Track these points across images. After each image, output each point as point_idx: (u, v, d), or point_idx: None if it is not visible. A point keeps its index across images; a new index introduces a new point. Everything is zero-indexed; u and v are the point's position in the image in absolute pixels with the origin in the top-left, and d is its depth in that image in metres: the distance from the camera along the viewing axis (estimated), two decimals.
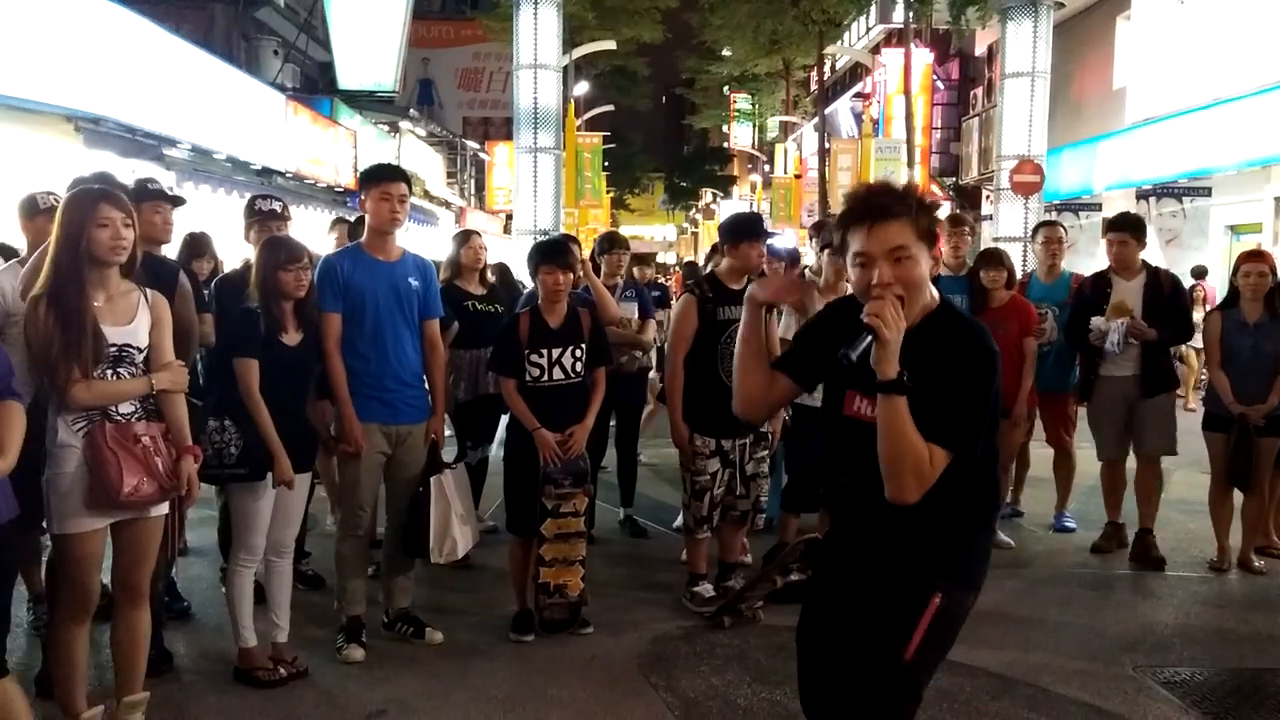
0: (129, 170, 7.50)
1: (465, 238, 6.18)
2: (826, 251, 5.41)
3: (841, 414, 2.38)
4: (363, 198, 4.40)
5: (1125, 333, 5.66)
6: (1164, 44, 16.23)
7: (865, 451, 2.25)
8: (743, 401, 2.57)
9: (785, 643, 4.54)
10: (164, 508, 3.34)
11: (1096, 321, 5.75)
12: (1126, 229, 5.87)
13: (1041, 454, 6.78)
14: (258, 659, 4.03)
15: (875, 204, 2.27)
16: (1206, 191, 15.23)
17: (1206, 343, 5.82)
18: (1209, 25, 14.92)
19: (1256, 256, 5.75)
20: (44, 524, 3.37)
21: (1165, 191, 15.79)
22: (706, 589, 4.92)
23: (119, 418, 3.19)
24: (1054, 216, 15.02)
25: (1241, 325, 5.54)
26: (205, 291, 4.98)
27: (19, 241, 4.26)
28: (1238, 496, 5.73)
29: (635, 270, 6.93)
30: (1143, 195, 16.19)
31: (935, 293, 2.34)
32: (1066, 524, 6.46)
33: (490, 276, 6.31)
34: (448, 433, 5.25)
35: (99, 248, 3.15)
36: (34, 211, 4.00)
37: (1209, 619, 5.02)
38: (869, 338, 2.16)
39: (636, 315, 6.25)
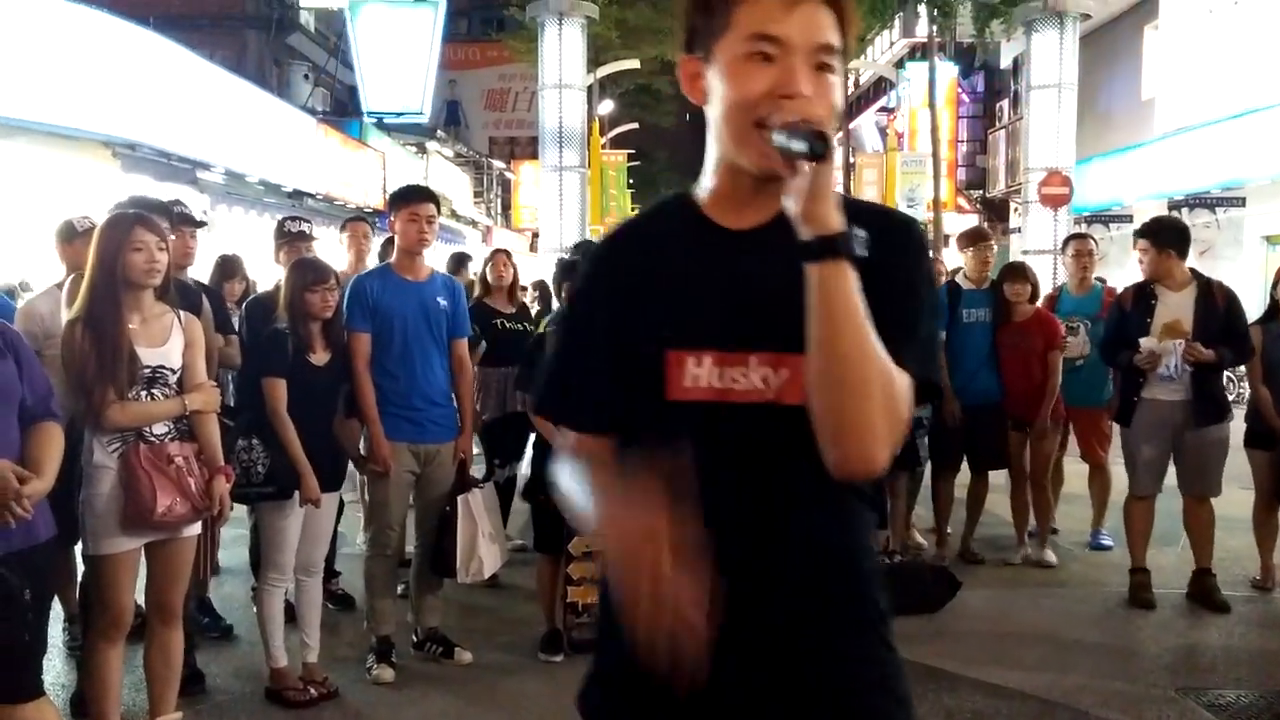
0: (163, 194, 7.60)
1: (492, 256, 6.24)
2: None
3: (666, 400, 1.38)
4: (392, 219, 4.43)
5: (1182, 356, 5.02)
6: (1193, 53, 16.10)
7: (735, 452, 1.35)
8: None
9: None
10: (197, 528, 3.37)
11: (1148, 343, 5.12)
12: (1147, 235, 5.33)
13: (1075, 469, 6.69)
14: (289, 679, 4.04)
15: None
16: (1240, 202, 15.05)
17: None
18: (1239, 34, 14.79)
19: None
20: (79, 544, 3.41)
21: (1198, 202, 15.61)
22: None
23: (153, 438, 3.22)
24: (1084, 229, 14.89)
25: None
26: (235, 313, 5.04)
27: (56, 265, 4.32)
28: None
29: None
30: (1175, 206, 16.01)
31: None
32: (1104, 542, 6.33)
33: (521, 295, 6.35)
34: (475, 451, 5.27)
35: (134, 271, 3.20)
36: (71, 236, 4.07)
37: (1253, 640, 4.91)
38: (801, 146, 1.22)
39: None
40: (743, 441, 1.36)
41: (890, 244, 1.35)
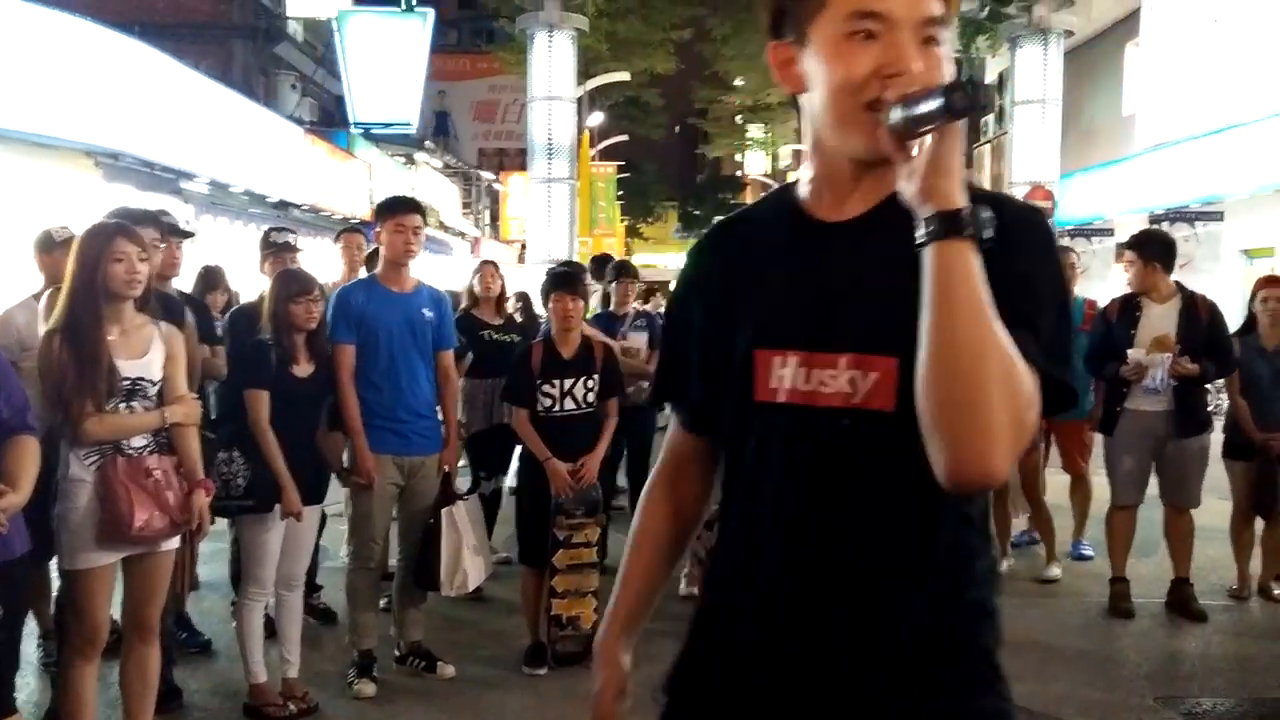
0: (146, 204, 7.57)
1: (480, 268, 6.24)
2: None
3: (754, 402, 1.33)
4: (378, 229, 4.42)
5: (1169, 369, 5.08)
6: (1173, 70, 16.24)
7: (816, 460, 1.28)
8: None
9: None
10: (175, 542, 3.34)
11: (1136, 354, 5.17)
12: (1134, 247, 5.41)
13: (1056, 480, 6.72)
14: (268, 695, 4.00)
15: None
16: (1219, 216, 15.17)
17: None
18: (1217, 51, 14.93)
19: (1275, 282, 5.71)
20: (54, 559, 3.37)
21: (1178, 216, 15.72)
22: None
23: (131, 451, 3.19)
24: (1066, 242, 14.97)
25: (1260, 351, 5.49)
26: (218, 324, 5.01)
27: (35, 276, 4.28)
28: (1258, 523, 5.66)
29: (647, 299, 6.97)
30: (1155, 220, 16.11)
31: None
32: (1084, 552, 6.38)
33: (509, 306, 6.34)
34: (461, 463, 5.25)
35: (114, 281, 3.17)
36: (49, 246, 4.04)
37: (1230, 648, 4.95)
38: (934, 105, 1.11)
39: (646, 345, 6.26)
40: (825, 449, 1.27)
41: (1013, 235, 1.20)
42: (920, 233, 1.13)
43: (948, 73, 1.21)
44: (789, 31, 1.30)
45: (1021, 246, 1.22)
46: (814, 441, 1.28)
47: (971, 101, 1.08)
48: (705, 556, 4.84)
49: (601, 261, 7.47)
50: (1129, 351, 5.19)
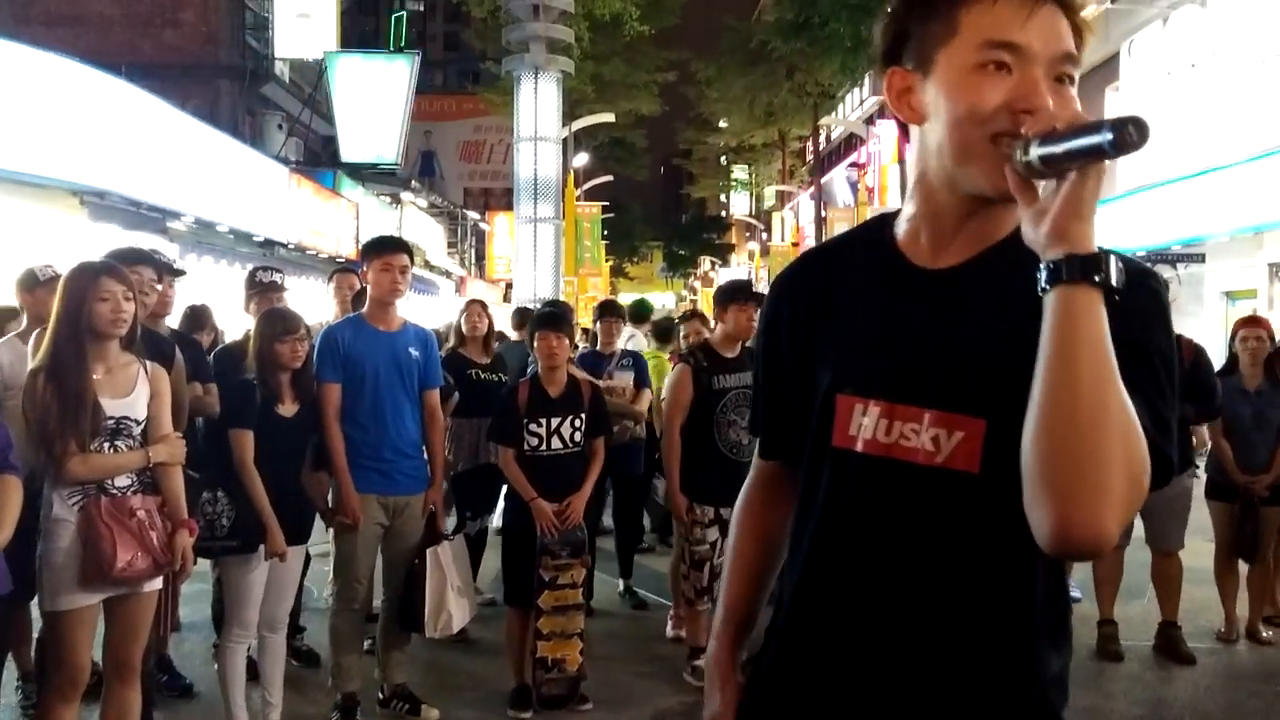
0: (131, 243, 7.56)
1: (467, 307, 6.25)
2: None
3: (831, 446, 1.31)
4: (364, 269, 4.43)
5: None
6: (1154, 114, 16.48)
7: (891, 517, 1.25)
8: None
9: None
10: (158, 583, 3.29)
11: None
12: None
13: None
14: None
15: None
16: (1200, 258, 15.34)
17: None
18: (1197, 96, 15.19)
19: (1254, 322, 5.75)
20: (34, 600, 3.33)
21: (1160, 258, 15.87)
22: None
23: (115, 491, 3.16)
24: None
25: (1242, 392, 5.51)
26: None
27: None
28: (1243, 564, 5.66)
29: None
30: None
31: None
32: (1072, 594, 6.34)
33: (495, 345, 6.34)
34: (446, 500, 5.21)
35: (99, 321, 3.16)
36: (33, 285, 4.03)
37: (1219, 691, 4.93)
38: (1094, 140, 1.04)
39: (632, 384, 6.26)
40: (901, 506, 1.23)
41: (1131, 298, 1.11)
42: (1046, 276, 1.06)
43: (1079, 112, 1.14)
44: (910, 58, 1.24)
45: (1139, 311, 1.14)
46: (891, 496, 1.24)
47: (1143, 136, 1.01)
48: (695, 596, 4.82)
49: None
50: None
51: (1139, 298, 1.15)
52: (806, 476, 1.36)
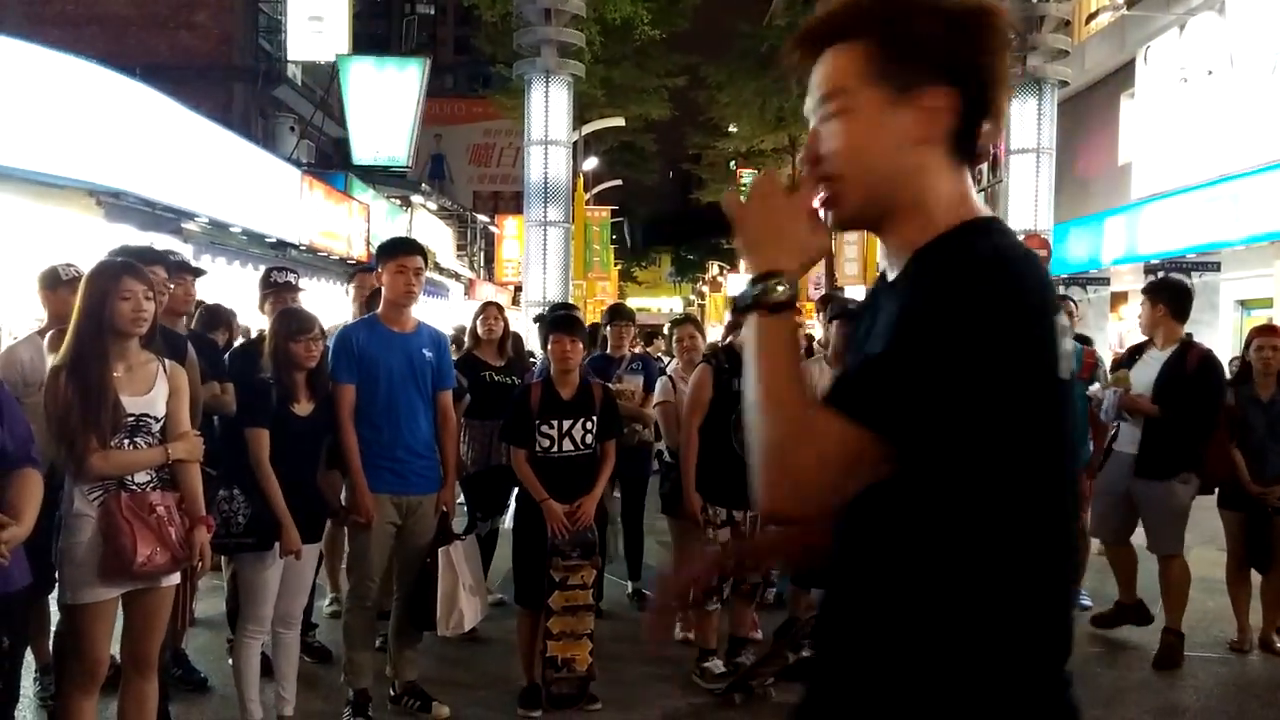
0: (146, 243, 7.62)
1: (482, 309, 6.27)
2: (835, 323, 5.45)
3: None
4: (379, 271, 4.46)
5: (1116, 403, 5.39)
6: (1168, 121, 16.46)
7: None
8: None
9: None
10: (175, 578, 3.34)
11: (1094, 389, 5.58)
12: (1147, 292, 5.64)
13: None
14: None
15: (809, 28, 1.36)
16: (1215, 266, 15.29)
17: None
18: (1212, 103, 15.15)
19: (1269, 331, 5.72)
20: (53, 593, 3.36)
21: (1174, 266, 15.83)
22: (717, 665, 4.85)
23: (134, 487, 3.20)
24: (1062, 290, 15.08)
25: (1255, 402, 5.48)
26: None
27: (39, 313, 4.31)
28: (1255, 574, 5.64)
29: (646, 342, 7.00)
30: (1150, 270, 16.25)
31: (979, 207, 1.36)
32: (1082, 602, 6.33)
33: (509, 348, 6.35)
34: (459, 500, 5.24)
35: (121, 319, 3.20)
36: (55, 283, 4.07)
37: (1231, 702, 4.91)
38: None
39: (641, 388, 6.28)
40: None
41: (911, 293, 1.26)
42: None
43: (860, 135, 1.30)
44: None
45: (902, 304, 1.27)
46: None
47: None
48: (704, 598, 4.83)
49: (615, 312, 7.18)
50: (1090, 387, 5.54)
51: (925, 286, 1.24)
52: None
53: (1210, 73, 15.33)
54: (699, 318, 8.22)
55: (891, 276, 1.37)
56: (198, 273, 4.79)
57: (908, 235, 1.32)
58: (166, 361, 3.40)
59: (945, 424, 1.18)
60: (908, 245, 1.32)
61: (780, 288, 1.26)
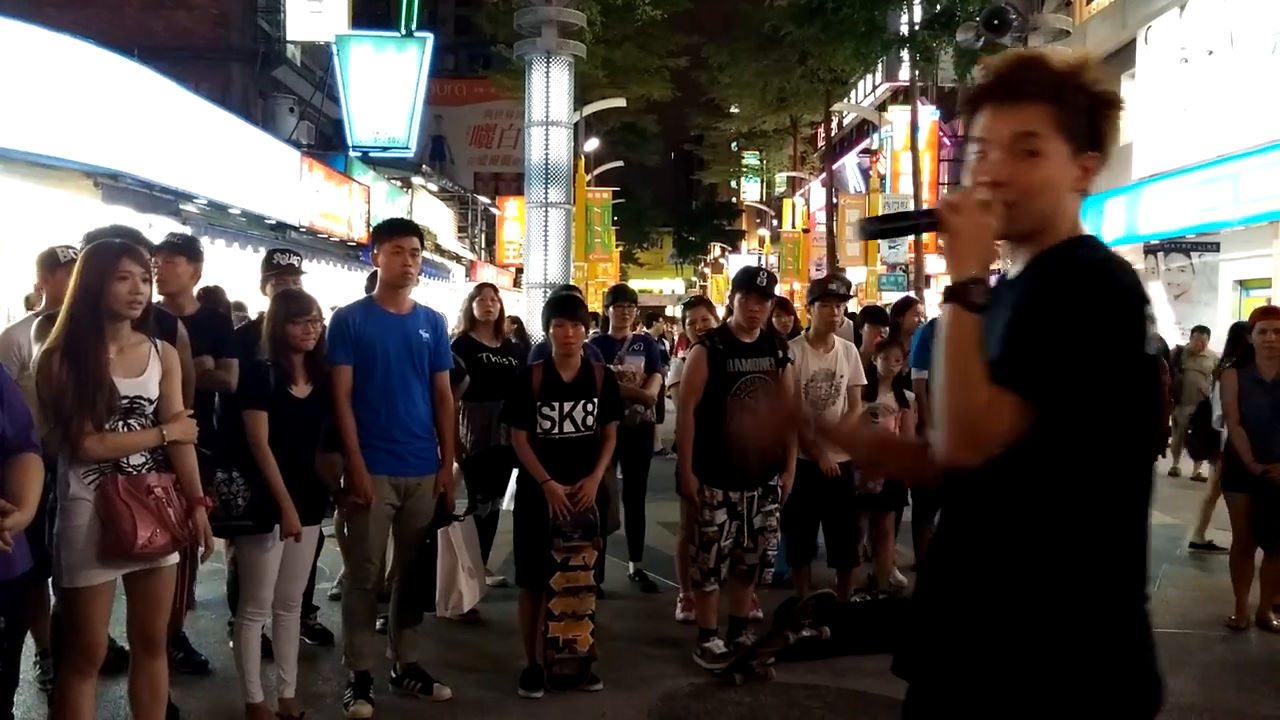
0: (145, 224, 7.59)
1: (478, 291, 6.25)
2: (815, 305, 5.46)
3: None
4: (375, 252, 4.44)
5: None
6: (1169, 102, 16.38)
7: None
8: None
9: (798, 700, 4.49)
10: (176, 557, 3.33)
11: None
12: None
13: None
14: (265, 715, 3.98)
15: (1005, 79, 1.76)
16: (1215, 247, 15.26)
17: (1224, 401, 5.75)
18: (1214, 83, 15.06)
19: (1272, 314, 5.72)
20: (51, 577, 3.36)
21: (1173, 246, 15.82)
22: (717, 645, 4.87)
23: (130, 469, 3.19)
24: None
25: (1259, 383, 5.49)
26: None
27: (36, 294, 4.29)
28: (1258, 553, 5.65)
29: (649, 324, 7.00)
30: (1150, 250, 16.23)
31: (1084, 228, 1.79)
32: None
33: (507, 329, 6.34)
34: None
35: (117, 301, 3.18)
36: (54, 265, 4.06)
37: (1228, 679, 4.94)
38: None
39: (643, 369, 6.27)
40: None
41: (1043, 287, 1.64)
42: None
43: (1042, 175, 1.71)
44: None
45: (1036, 295, 1.64)
46: None
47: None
48: (702, 578, 4.84)
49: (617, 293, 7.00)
50: None
51: (1054, 281, 1.64)
52: None
53: (1211, 53, 15.24)
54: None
55: (1012, 275, 1.78)
56: (195, 254, 4.75)
57: (1039, 247, 1.73)
58: (158, 342, 3.38)
59: (1074, 384, 1.56)
60: (1034, 252, 1.74)
61: (981, 292, 1.60)
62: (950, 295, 1.61)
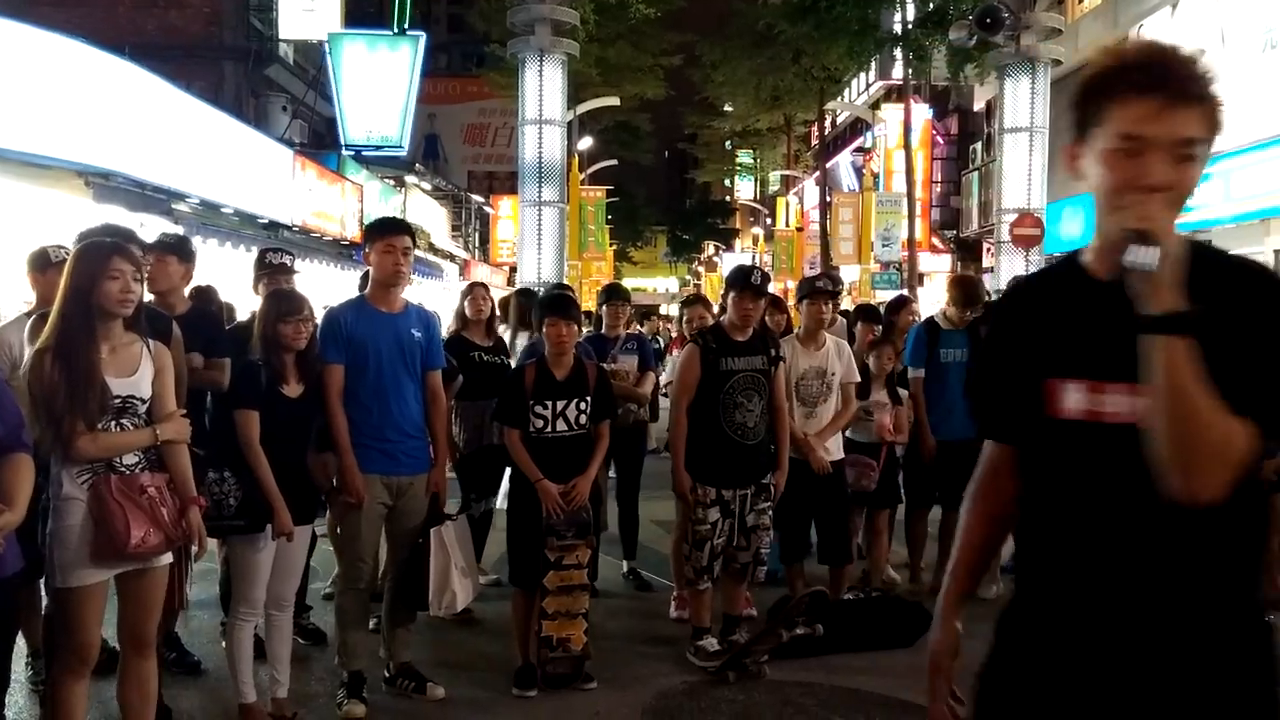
0: (137, 224, 7.57)
1: (470, 290, 6.25)
2: (805, 302, 5.48)
3: (1045, 416, 1.69)
4: (367, 251, 4.44)
5: None
6: None
7: (1125, 479, 1.59)
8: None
9: (792, 698, 4.50)
10: (169, 557, 3.33)
11: None
12: None
13: None
14: (258, 715, 3.98)
15: (1174, 75, 1.62)
16: (1206, 244, 15.31)
17: None
18: None
19: None
20: (43, 577, 3.35)
21: None
22: (711, 643, 4.87)
23: (123, 469, 3.18)
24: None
25: None
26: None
27: (26, 294, 4.28)
28: None
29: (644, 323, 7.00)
30: None
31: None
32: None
33: (499, 328, 6.33)
34: (450, 476, 5.23)
35: (108, 300, 3.17)
36: (45, 265, 4.04)
37: None
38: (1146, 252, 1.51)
39: (636, 367, 6.27)
40: (1110, 455, 1.62)
41: (1253, 295, 1.63)
42: (1146, 324, 1.52)
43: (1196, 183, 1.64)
44: (1078, 131, 1.69)
45: (1248, 306, 1.63)
46: (1099, 450, 1.64)
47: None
48: (695, 576, 4.85)
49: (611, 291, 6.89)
50: None
51: (1263, 288, 1.67)
52: (1029, 448, 1.77)
53: (1202, 51, 15.29)
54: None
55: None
56: (187, 254, 4.74)
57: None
58: (151, 342, 3.38)
59: None
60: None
61: (1191, 322, 1.50)
62: (1170, 324, 1.50)
